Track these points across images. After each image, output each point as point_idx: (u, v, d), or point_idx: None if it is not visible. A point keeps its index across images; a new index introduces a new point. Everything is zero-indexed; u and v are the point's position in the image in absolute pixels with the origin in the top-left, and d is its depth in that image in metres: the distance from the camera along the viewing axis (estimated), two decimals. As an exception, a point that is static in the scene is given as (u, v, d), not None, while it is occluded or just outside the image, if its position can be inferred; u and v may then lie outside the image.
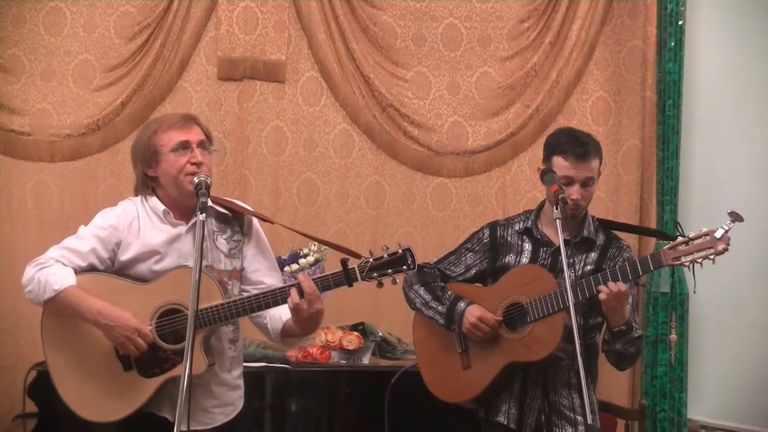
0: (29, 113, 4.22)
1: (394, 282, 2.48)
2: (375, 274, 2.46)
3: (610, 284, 2.61)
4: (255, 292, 2.56)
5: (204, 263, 2.53)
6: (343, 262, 2.46)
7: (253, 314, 2.61)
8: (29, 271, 2.55)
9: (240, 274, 2.66)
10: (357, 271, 2.46)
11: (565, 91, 4.54)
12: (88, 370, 2.53)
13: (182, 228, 2.59)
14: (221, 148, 4.35)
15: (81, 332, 2.52)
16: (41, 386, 3.34)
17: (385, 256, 2.46)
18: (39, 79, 4.23)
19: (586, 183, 2.75)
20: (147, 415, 2.53)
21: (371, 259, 2.47)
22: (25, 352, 4.11)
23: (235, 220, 2.68)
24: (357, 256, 2.56)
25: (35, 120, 4.21)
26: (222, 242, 2.62)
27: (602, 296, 2.61)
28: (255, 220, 2.73)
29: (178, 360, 2.48)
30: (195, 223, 2.57)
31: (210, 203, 2.57)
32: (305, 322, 2.50)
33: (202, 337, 2.48)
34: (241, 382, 2.73)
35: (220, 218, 2.65)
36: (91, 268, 2.58)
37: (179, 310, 2.50)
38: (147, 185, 2.65)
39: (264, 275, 2.68)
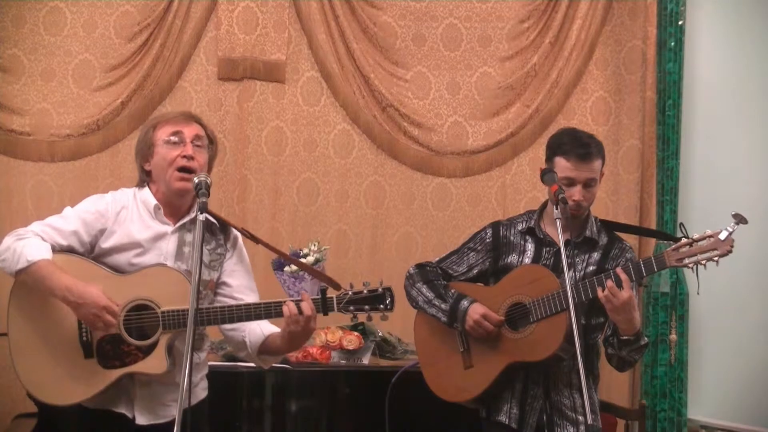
0: (29, 113, 4.22)
1: (369, 319, 2.52)
2: (351, 308, 2.48)
3: (608, 282, 2.59)
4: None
5: (183, 267, 2.53)
6: (322, 291, 2.49)
7: (230, 327, 2.60)
8: (6, 241, 2.50)
9: (215, 286, 2.64)
10: (334, 301, 2.48)
11: (565, 91, 4.54)
12: (48, 351, 2.49)
13: (168, 228, 2.58)
14: (221, 148, 4.35)
15: (49, 311, 2.48)
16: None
17: (365, 291, 2.49)
18: (39, 79, 4.24)
19: (589, 184, 2.75)
20: (104, 413, 2.51)
21: (350, 292, 2.49)
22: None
23: (220, 233, 2.66)
24: (336, 286, 2.58)
25: (35, 120, 4.22)
26: (204, 252, 2.58)
27: (600, 295, 2.60)
28: (240, 239, 2.72)
29: (140, 356, 2.47)
30: (181, 225, 2.58)
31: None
32: (296, 338, 2.49)
33: (168, 338, 2.46)
34: (201, 381, 2.71)
35: (207, 228, 2.61)
36: (70, 250, 2.53)
37: (150, 307, 2.48)
38: (143, 180, 2.65)
39: (240, 292, 2.65)
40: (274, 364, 2.80)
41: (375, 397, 3.33)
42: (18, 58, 4.22)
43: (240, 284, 2.66)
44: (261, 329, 2.59)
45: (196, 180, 2.43)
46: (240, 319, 2.51)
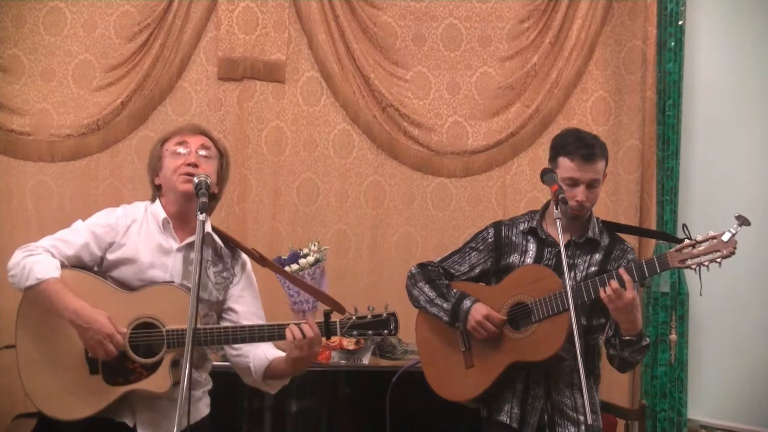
0: (29, 113, 4.22)
1: (372, 342, 2.53)
2: (355, 332, 2.50)
3: (611, 283, 2.59)
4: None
5: (190, 285, 2.51)
6: (326, 315, 2.48)
7: (236, 353, 2.62)
8: (17, 256, 2.53)
9: (219, 307, 2.65)
10: (338, 326, 2.48)
11: (565, 91, 4.54)
12: (55, 365, 2.51)
13: (175, 244, 2.58)
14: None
15: (56, 326, 2.50)
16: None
17: (369, 316, 2.49)
18: (39, 79, 4.24)
19: (592, 185, 2.74)
20: (106, 420, 2.51)
21: (354, 317, 2.49)
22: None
23: (227, 258, 2.68)
24: (341, 310, 2.59)
25: (35, 120, 4.22)
26: (211, 273, 2.62)
27: (602, 295, 2.60)
28: (249, 264, 2.73)
29: (144, 374, 2.48)
30: (188, 244, 2.58)
31: (211, 231, 2.60)
32: (300, 361, 2.49)
33: (172, 357, 2.47)
34: (204, 395, 2.71)
35: (214, 251, 2.65)
36: (78, 262, 2.56)
37: (155, 325, 2.49)
38: (155, 195, 2.67)
39: (246, 319, 2.64)
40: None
41: (375, 397, 3.33)
42: (18, 58, 4.22)
43: (246, 311, 2.66)
44: (265, 354, 2.59)
45: (196, 180, 2.44)
46: (243, 341, 2.50)
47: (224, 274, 2.65)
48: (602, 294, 2.59)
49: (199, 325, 2.43)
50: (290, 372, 2.58)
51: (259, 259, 2.76)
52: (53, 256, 2.52)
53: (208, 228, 2.60)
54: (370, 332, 2.49)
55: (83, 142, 4.26)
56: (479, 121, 4.55)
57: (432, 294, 2.92)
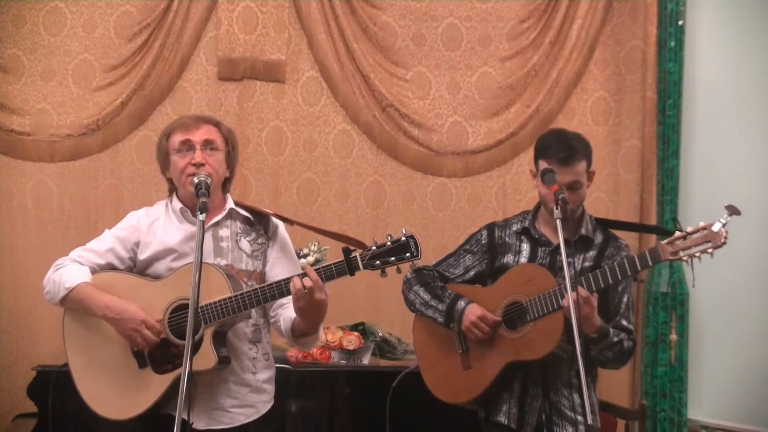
0: (29, 113, 4.22)
1: (398, 271, 2.41)
2: (377, 263, 2.38)
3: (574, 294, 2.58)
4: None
5: (224, 263, 2.58)
6: (346, 251, 2.40)
7: (273, 320, 2.64)
8: (48, 274, 2.61)
9: (260, 276, 2.66)
10: (359, 260, 2.39)
11: (565, 91, 4.54)
12: (106, 369, 2.56)
13: None
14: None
15: (100, 331, 2.56)
16: (41, 386, 3.34)
17: (388, 243, 2.39)
18: (39, 79, 4.24)
19: (573, 186, 2.71)
20: (166, 417, 2.51)
21: (374, 247, 2.40)
22: (25, 352, 4.12)
23: (259, 224, 2.70)
24: (361, 246, 2.52)
25: (35, 120, 4.22)
26: (245, 243, 2.64)
27: (564, 303, 2.59)
28: (281, 227, 2.75)
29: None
30: (214, 224, 2.61)
31: (234, 207, 2.65)
32: (307, 312, 2.46)
33: (212, 332, 2.47)
34: (268, 386, 2.69)
35: (246, 221, 2.68)
36: (111, 267, 2.62)
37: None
38: (171, 188, 2.70)
39: None
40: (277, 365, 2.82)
41: (375, 397, 3.33)
42: (18, 58, 4.22)
43: (283, 272, 2.64)
44: (289, 314, 2.58)
45: (195, 180, 2.48)
46: (254, 304, 2.47)
47: (259, 241, 2.67)
48: (563, 303, 2.58)
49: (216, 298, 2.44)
50: (307, 326, 2.54)
51: (279, 219, 2.78)
52: (81, 264, 2.60)
53: (230, 204, 2.65)
54: (393, 259, 2.37)
55: (83, 142, 4.26)
56: (479, 121, 4.55)
57: (427, 296, 2.92)
